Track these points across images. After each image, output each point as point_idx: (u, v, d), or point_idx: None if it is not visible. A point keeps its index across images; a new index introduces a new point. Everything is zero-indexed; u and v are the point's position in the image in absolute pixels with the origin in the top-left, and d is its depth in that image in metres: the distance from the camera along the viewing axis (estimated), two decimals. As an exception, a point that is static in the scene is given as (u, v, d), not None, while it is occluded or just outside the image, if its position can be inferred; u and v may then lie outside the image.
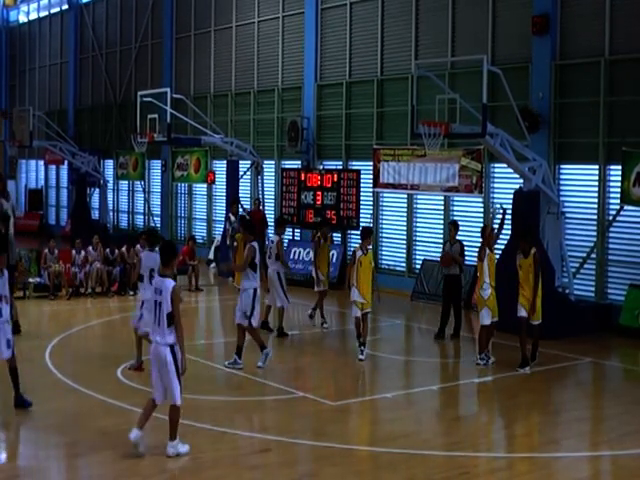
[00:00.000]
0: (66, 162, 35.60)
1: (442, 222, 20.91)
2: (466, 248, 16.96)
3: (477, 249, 14.70)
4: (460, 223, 20.45)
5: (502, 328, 16.32)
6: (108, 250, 21.35)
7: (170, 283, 9.31)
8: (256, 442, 10.05)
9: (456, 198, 20.63)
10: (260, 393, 12.49)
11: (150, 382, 9.58)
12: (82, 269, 20.66)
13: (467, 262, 17.67)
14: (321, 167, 23.83)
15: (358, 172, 22.49)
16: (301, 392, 12.39)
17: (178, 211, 31.20)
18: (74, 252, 20.87)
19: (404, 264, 22.18)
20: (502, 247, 18.09)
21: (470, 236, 20.21)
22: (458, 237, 16.96)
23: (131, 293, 20.35)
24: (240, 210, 24.47)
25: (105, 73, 35.37)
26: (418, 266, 21.43)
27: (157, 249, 13.45)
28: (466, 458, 9.70)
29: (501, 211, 15.88)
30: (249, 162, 25.89)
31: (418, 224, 21.91)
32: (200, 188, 29.96)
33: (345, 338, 16.71)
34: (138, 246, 19.38)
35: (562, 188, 18.50)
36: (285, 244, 25.12)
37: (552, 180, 17.74)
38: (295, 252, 23.51)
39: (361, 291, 14.28)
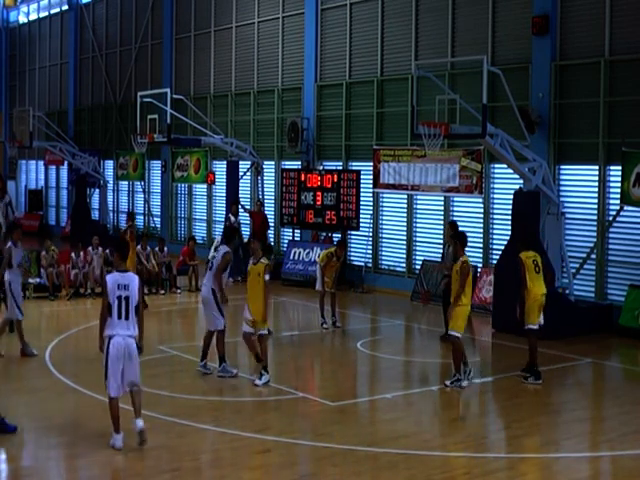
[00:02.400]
0: (66, 163, 35.60)
1: (442, 223, 20.88)
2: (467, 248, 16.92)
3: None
4: (460, 224, 20.48)
5: (502, 329, 16.40)
6: (108, 251, 21.31)
7: (135, 277, 9.86)
8: (256, 442, 10.04)
9: (456, 199, 20.63)
10: (260, 393, 12.48)
11: (110, 376, 9.62)
12: (82, 270, 20.65)
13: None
14: (321, 168, 23.81)
15: (358, 172, 22.48)
16: (301, 392, 12.40)
17: (178, 211, 31.19)
18: (73, 255, 20.83)
19: (404, 264, 22.18)
20: (502, 248, 18.15)
21: (470, 237, 20.20)
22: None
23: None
24: (240, 210, 24.47)
25: (105, 73, 35.36)
26: (418, 266, 21.41)
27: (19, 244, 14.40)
28: (466, 458, 9.70)
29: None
30: (249, 163, 25.88)
31: (418, 224, 21.89)
32: (200, 189, 29.95)
33: (345, 338, 16.71)
34: (139, 247, 21.24)
35: (562, 188, 18.50)
36: (285, 244, 25.18)
37: (552, 180, 17.74)
38: (295, 252, 23.48)
39: (249, 306, 12.65)
